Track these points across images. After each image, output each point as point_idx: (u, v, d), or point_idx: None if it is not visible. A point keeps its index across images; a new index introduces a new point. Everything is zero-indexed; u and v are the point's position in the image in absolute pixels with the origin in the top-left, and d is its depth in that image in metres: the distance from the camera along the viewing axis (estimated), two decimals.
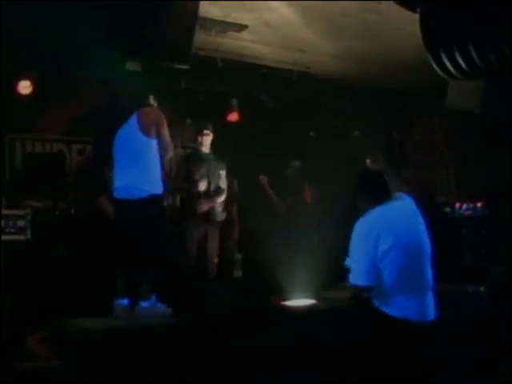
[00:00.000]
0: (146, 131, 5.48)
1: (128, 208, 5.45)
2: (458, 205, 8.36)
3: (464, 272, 6.82)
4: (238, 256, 8.01)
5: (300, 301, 5.95)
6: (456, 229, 8.09)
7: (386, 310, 3.71)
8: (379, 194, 3.87)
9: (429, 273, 3.88)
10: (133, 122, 5.52)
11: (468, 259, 7.79)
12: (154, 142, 5.52)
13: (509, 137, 7.25)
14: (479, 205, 8.16)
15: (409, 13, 5.38)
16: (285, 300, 5.94)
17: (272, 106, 9.28)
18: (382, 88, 9.15)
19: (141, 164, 5.47)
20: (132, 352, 4.37)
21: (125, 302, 5.46)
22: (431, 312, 3.83)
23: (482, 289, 5.82)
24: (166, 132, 5.59)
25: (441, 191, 9.26)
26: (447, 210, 8.42)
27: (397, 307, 3.69)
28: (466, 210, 8.27)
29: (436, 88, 7.39)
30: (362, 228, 3.82)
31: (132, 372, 4.09)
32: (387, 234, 3.73)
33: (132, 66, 7.32)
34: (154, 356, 4.22)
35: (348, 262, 3.85)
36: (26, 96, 7.76)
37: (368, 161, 7.53)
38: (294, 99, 9.28)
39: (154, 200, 5.48)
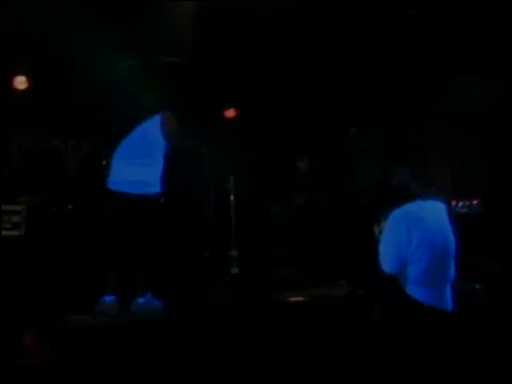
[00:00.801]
0: (165, 132, 5.63)
1: (136, 203, 5.48)
2: (454, 202, 8.35)
3: (460, 269, 6.82)
4: (235, 253, 7.99)
5: (297, 298, 5.96)
6: (452, 226, 8.07)
7: None
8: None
9: (452, 269, 4.04)
10: (156, 121, 5.65)
11: (464, 257, 7.78)
12: (164, 145, 5.63)
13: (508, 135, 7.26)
14: (475, 202, 8.16)
15: None
16: (286, 297, 5.95)
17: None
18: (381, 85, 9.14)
19: (156, 162, 5.60)
20: (128, 348, 4.36)
21: (113, 298, 5.45)
22: (450, 303, 3.96)
23: (477, 286, 5.83)
24: (174, 138, 5.78)
25: (437, 189, 9.23)
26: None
27: (419, 298, 3.82)
28: (462, 207, 8.27)
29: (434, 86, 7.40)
30: (394, 222, 3.95)
31: (128, 369, 4.09)
32: (417, 231, 3.88)
33: (129, 62, 7.32)
34: (149, 352, 4.22)
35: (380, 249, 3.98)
36: (23, 92, 7.75)
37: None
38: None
39: (159, 197, 5.58)
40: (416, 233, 3.86)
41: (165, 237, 5.78)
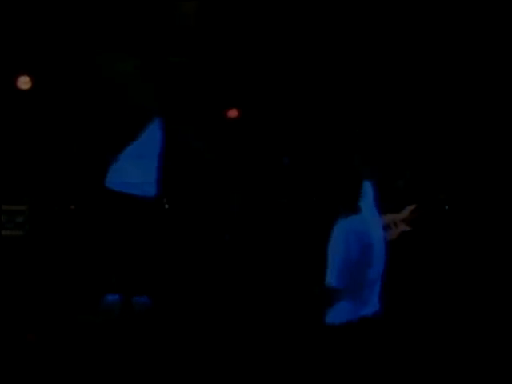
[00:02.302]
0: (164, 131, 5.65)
1: (142, 204, 5.48)
2: (458, 202, 8.39)
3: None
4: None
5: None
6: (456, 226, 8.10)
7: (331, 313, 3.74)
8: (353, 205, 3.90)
9: (378, 284, 3.92)
10: (158, 123, 5.66)
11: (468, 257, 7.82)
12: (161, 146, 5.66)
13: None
14: (479, 203, 8.19)
15: None
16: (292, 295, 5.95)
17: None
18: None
19: (155, 163, 5.59)
20: (130, 346, 4.37)
21: (116, 297, 5.45)
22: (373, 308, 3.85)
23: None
24: None
25: (441, 189, 9.27)
26: (447, 207, 8.45)
27: (340, 311, 3.72)
28: (467, 207, 8.30)
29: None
30: (336, 236, 3.85)
31: (130, 366, 4.10)
32: (356, 245, 3.78)
33: (133, 62, 7.32)
34: (151, 350, 4.22)
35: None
36: (27, 91, 7.76)
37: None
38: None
39: (160, 198, 5.60)
40: (354, 247, 3.76)
41: (168, 237, 5.79)
